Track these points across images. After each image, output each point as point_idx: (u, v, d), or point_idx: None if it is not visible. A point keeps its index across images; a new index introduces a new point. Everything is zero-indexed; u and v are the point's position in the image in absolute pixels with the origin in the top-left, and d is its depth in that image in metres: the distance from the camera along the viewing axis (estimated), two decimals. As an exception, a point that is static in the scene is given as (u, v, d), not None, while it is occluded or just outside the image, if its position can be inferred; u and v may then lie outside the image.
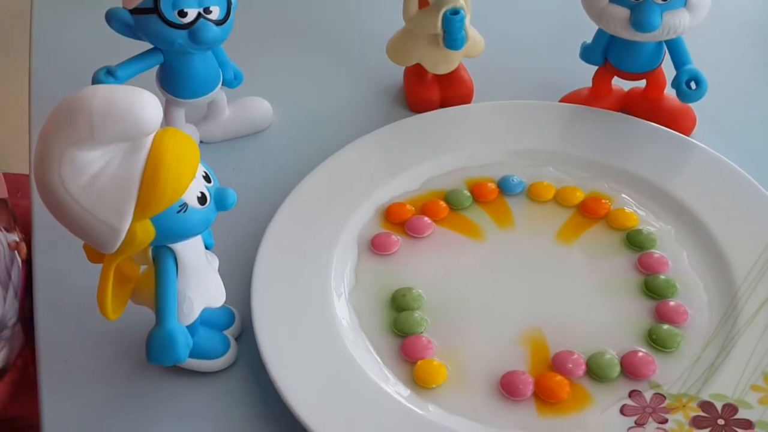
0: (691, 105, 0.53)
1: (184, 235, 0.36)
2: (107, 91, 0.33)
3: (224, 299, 0.40)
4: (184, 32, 0.46)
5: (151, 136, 0.34)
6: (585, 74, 0.55)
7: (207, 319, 0.41)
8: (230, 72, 0.52)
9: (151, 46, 0.49)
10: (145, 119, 0.32)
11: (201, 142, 0.55)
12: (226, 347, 0.42)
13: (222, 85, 0.52)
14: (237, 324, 0.43)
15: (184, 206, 0.35)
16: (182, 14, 0.46)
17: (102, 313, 0.36)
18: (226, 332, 0.43)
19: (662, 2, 0.47)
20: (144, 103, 0.32)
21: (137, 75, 0.49)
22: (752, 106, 0.57)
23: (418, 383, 0.40)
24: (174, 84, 0.50)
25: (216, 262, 0.41)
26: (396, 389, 0.40)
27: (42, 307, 0.46)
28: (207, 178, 0.37)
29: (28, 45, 0.66)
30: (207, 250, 0.40)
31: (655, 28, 0.48)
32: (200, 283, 0.38)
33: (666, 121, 0.53)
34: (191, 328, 0.38)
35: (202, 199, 0.36)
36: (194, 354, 0.39)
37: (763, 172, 0.49)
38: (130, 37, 0.47)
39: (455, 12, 0.52)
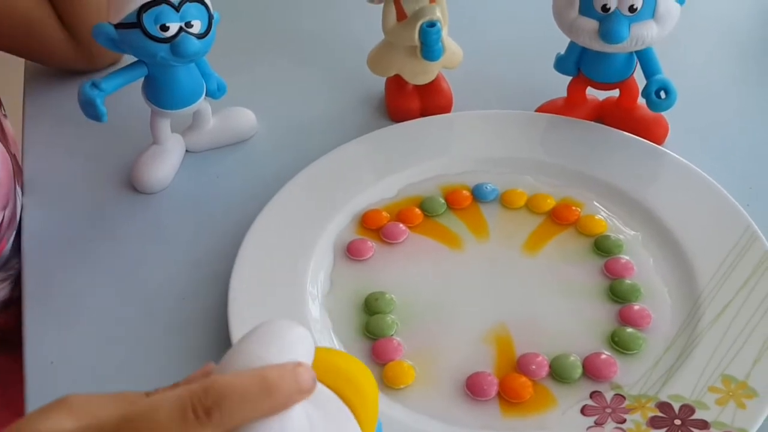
0: (665, 113, 0.54)
1: None
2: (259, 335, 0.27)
3: None
4: (166, 46, 0.48)
5: None
6: (561, 84, 0.57)
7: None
8: (214, 83, 0.54)
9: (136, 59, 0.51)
10: (309, 341, 0.28)
11: (186, 150, 0.57)
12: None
13: (206, 96, 0.54)
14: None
15: None
16: (164, 28, 0.48)
17: None
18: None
19: (630, 14, 0.49)
20: (297, 329, 0.28)
21: (122, 87, 0.51)
22: (727, 113, 0.59)
23: (387, 384, 0.42)
24: (158, 96, 0.52)
25: None
26: (364, 390, 0.41)
27: (29, 310, 0.48)
28: None
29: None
30: None
31: (623, 40, 0.49)
32: None
33: (639, 130, 0.54)
34: None
35: None
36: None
37: (735, 179, 0.51)
38: (114, 50, 0.49)
39: (432, 24, 0.53)
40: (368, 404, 0.28)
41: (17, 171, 0.55)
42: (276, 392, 0.25)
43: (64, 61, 0.63)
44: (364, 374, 0.29)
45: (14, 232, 0.52)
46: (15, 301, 0.53)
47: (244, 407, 0.24)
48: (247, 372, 0.25)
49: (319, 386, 0.27)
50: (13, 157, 0.54)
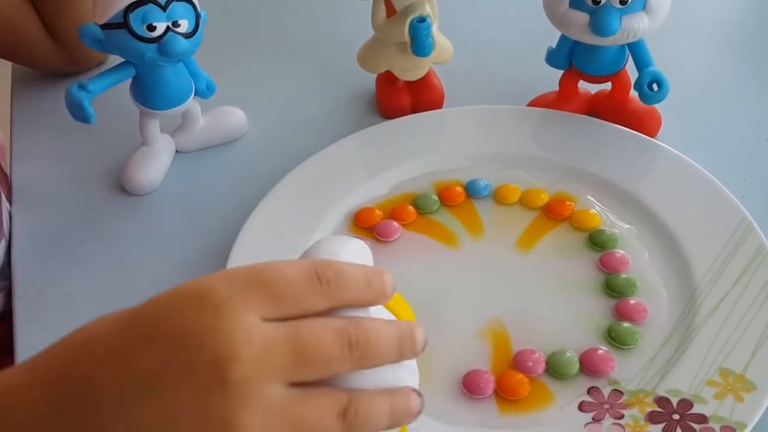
0: (658, 105, 0.54)
1: None
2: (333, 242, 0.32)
3: None
4: (153, 46, 0.47)
5: None
6: (553, 78, 0.56)
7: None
8: (203, 83, 0.53)
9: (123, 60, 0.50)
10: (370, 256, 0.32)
11: (177, 151, 0.56)
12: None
13: (195, 95, 0.53)
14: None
15: None
16: (151, 28, 0.47)
17: None
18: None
19: (621, 6, 0.48)
20: (360, 243, 0.32)
21: (110, 88, 0.50)
22: (719, 105, 0.58)
23: (383, 384, 0.41)
24: (147, 96, 0.52)
25: None
26: (360, 390, 0.41)
27: (21, 316, 0.47)
28: None
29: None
30: None
31: (614, 33, 0.49)
32: None
33: (632, 123, 0.54)
34: None
35: None
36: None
37: (729, 171, 0.51)
38: (101, 51, 0.49)
39: (421, 20, 0.53)
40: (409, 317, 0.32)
41: (1, 177, 0.54)
42: (372, 287, 0.28)
43: (49, 65, 0.63)
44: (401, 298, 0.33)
45: (2, 241, 0.52)
46: (11, 313, 0.53)
47: (352, 290, 0.27)
48: (351, 264, 0.28)
49: None
50: None
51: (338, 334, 0.26)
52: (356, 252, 0.31)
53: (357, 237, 0.32)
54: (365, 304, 0.29)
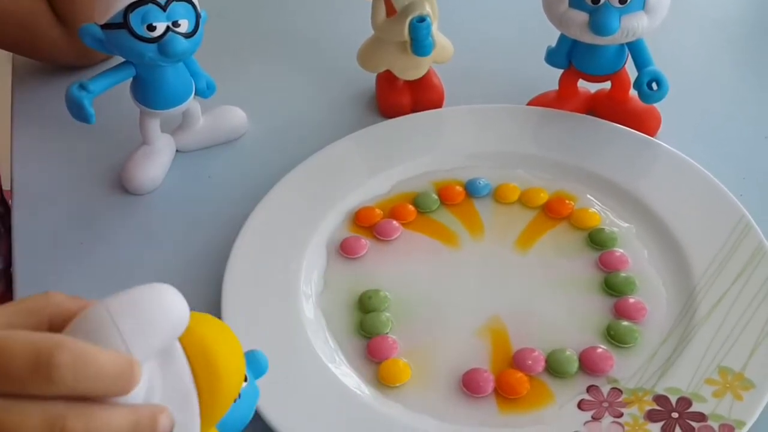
0: (658, 104, 0.54)
1: (243, 425, 0.31)
2: (122, 299, 0.27)
3: None
4: (153, 46, 0.48)
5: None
6: (553, 77, 0.56)
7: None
8: (203, 82, 0.53)
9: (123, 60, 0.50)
10: (177, 315, 0.27)
11: (177, 150, 0.56)
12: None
13: (195, 95, 0.53)
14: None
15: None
16: (151, 28, 0.47)
17: None
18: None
19: (620, 6, 0.49)
20: (169, 299, 0.27)
21: (110, 88, 0.50)
22: (719, 104, 0.58)
23: (383, 382, 0.42)
24: (147, 96, 0.52)
25: None
26: (360, 388, 0.41)
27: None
28: None
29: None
30: None
31: (613, 32, 0.49)
32: None
33: (631, 122, 0.54)
34: None
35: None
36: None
37: (728, 169, 0.51)
38: (101, 51, 0.49)
39: (421, 19, 0.53)
40: (217, 393, 0.28)
41: None
42: (122, 377, 0.25)
43: (57, 56, 0.63)
44: (228, 360, 0.29)
45: None
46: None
47: (89, 379, 0.25)
48: (97, 348, 0.25)
49: (180, 354, 0.27)
50: None
51: (47, 421, 0.24)
52: (147, 317, 0.26)
53: (171, 286, 0.27)
54: (111, 394, 0.25)
